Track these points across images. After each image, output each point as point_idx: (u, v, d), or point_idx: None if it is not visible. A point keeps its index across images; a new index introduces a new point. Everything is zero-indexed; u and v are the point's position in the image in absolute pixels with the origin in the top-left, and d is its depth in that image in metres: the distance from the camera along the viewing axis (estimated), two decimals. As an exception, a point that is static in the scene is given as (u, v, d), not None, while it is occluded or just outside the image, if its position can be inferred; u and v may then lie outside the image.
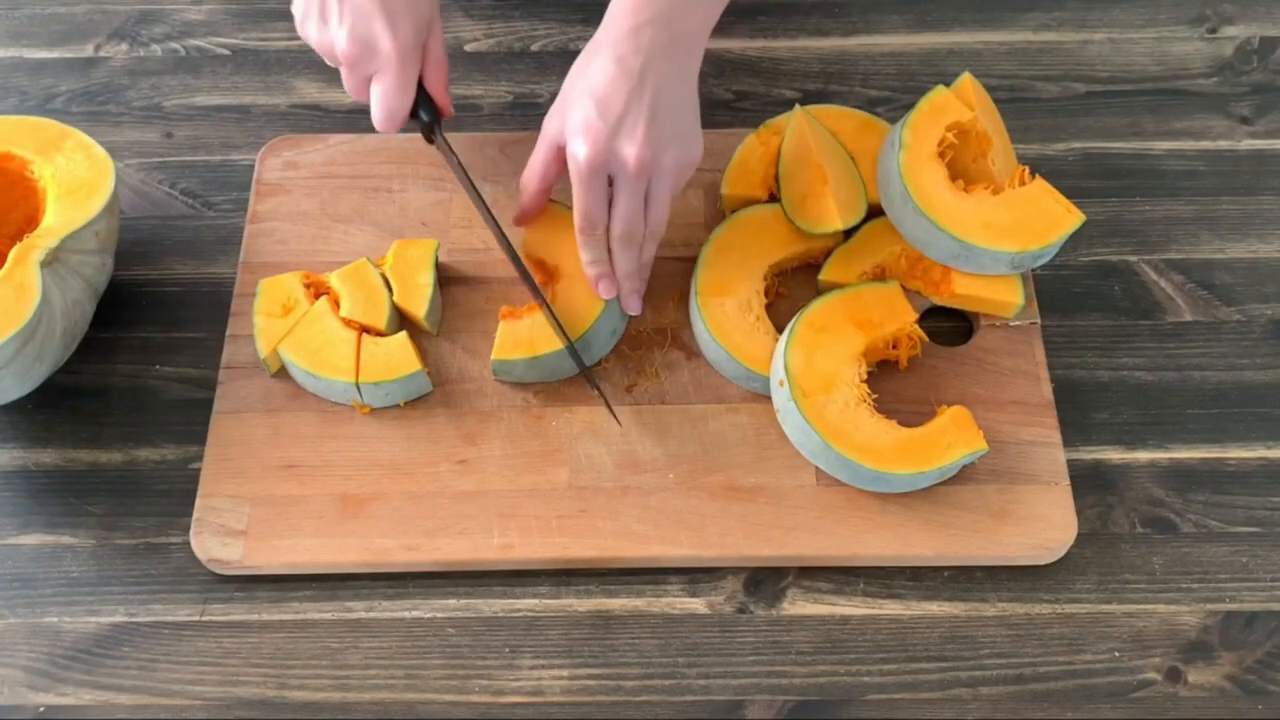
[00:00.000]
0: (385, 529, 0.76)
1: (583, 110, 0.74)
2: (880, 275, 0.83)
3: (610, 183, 0.76)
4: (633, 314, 0.81)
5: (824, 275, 0.83)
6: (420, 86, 0.80)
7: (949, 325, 0.84)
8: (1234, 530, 0.78)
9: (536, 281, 0.81)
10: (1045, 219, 0.80)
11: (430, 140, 0.83)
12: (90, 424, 0.82)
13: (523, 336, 0.80)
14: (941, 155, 0.81)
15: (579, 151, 0.74)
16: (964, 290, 0.82)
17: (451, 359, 0.83)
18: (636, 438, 0.79)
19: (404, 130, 0.81)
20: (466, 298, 0.85)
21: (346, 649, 0.75)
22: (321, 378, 0.79)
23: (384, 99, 0.78)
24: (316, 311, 0.81)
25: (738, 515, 0.76)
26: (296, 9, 0.79)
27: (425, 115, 0.81)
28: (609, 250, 0.78)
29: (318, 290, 0.83)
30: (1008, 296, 0.82)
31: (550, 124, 0.78)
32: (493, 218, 0.82)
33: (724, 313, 0.81)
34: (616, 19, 0.75)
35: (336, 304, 0.82)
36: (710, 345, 0.81)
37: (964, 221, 0.79)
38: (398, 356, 0.79)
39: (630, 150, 0.73)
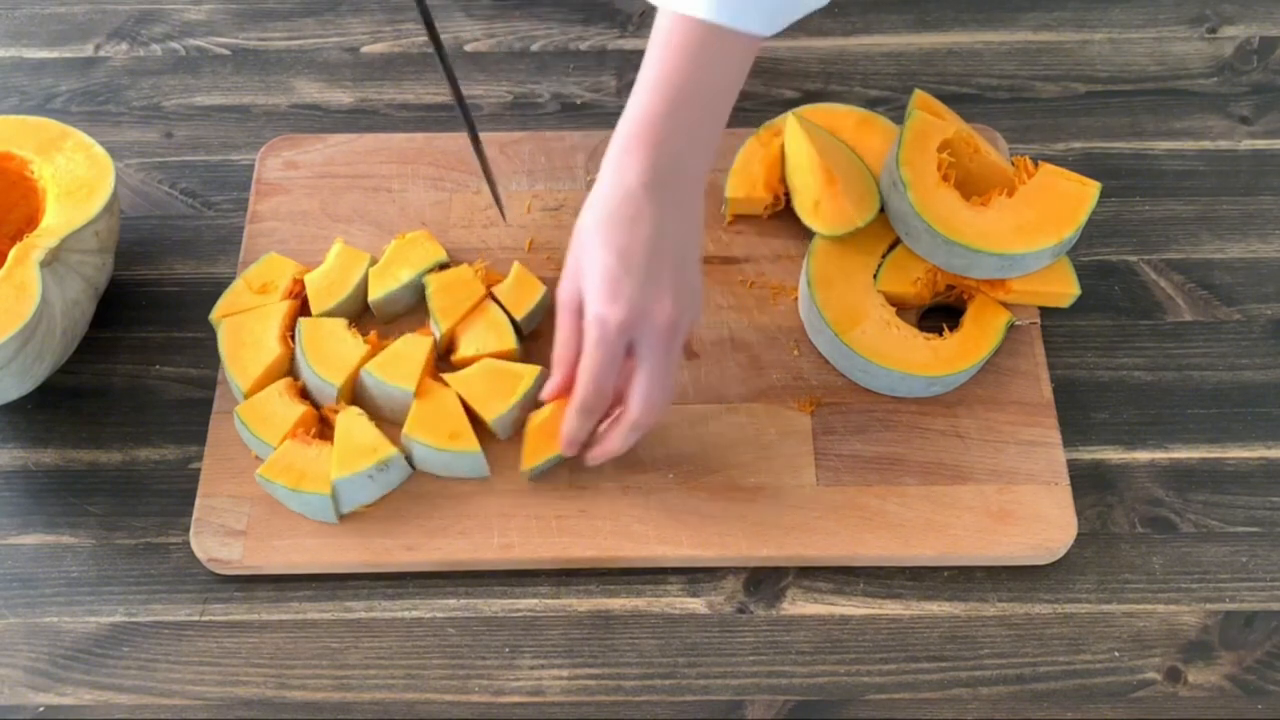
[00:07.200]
0: (385, 529, 0.76)
1: (603, 263, 0.66)
2: (936, 279, 0.82)
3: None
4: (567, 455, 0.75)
5: (881, 285, 0.82)
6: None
7: (949, 325, 0.84)
8: (1234, 530, 0.78)
9: None
10: (1067, 201, 0.80)
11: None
12: (90, 424, 0.82)
13: (295, 465, 0.75)
14: (945, 178, 0.81)
15: (608, 313, 0.66)
16: (1022, 287, 0.81)
17: (451, 359, 0.83)
18: (636, 438, 0.79)
19: None
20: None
21: (346, 649, 0.75)
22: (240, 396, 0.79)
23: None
24: (263, 327, 0.80)
25: (738, 515, 0.76)
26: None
27: None
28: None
29: (297, 289, 0.83)
30: (1064, 287, 0.81)
31: (565, 288, 0.70)
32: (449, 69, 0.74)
33: (870, 339, 0.79)
34: (622, 172, 0.67)
35: (296, 310, 0.82)
36: (882, 374, 0.79)
37: (996, 235, 0.78)
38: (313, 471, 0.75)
39: (661, 309, 0.66)
